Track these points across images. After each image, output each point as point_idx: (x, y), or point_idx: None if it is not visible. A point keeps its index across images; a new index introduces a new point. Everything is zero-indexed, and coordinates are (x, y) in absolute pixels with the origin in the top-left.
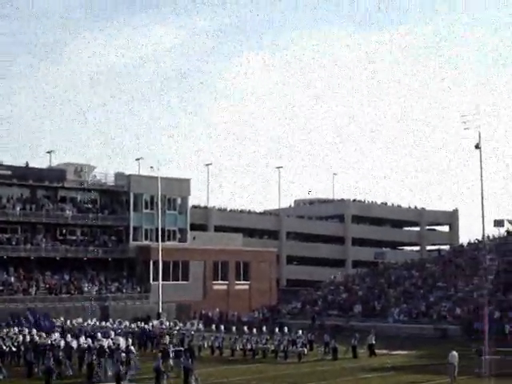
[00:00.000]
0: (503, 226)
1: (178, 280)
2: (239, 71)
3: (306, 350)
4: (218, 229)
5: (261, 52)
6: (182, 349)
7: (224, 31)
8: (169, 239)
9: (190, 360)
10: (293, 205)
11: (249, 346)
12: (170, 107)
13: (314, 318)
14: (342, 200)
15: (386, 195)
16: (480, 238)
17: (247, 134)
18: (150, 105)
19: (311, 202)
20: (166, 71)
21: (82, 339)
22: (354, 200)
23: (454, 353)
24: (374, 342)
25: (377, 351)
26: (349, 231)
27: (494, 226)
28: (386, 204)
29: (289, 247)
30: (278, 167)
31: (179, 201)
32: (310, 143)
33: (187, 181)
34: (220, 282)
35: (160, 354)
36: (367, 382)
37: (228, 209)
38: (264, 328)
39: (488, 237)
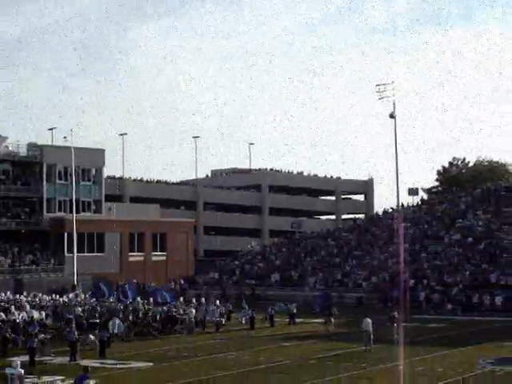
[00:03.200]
0: (417, 194)
1: (93, 252)
2: (154, 38)
3: (223, 319)
4: (133, 200)
5: (178, 18)
6: (97, 321)
7: None
8: (83, 210)
9: (105, 332)
10: (210, 175)
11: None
12: (81, 76)
13: (224, 288)
14: (259, 170)
15: (302, 165)
16: (395, 206)
17: (162, 104)
18: (60, 74)
19: (228, 172)
20: (75, 39)
21: None
22: (271, 170)
23: (368, 320)
24: (295, 311)
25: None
26: (266, 201)
27: (409, 194)
28: (302, 173)
29: (206, 217)
30: (195, 137)
31: (93, 171)
32: (227, 113)
33: (101, 151)
34: (136, 253)
35: (74, 327)
36: (286, 351)
37: (144, 179)
38: (181, 298)
39: (402, 205)
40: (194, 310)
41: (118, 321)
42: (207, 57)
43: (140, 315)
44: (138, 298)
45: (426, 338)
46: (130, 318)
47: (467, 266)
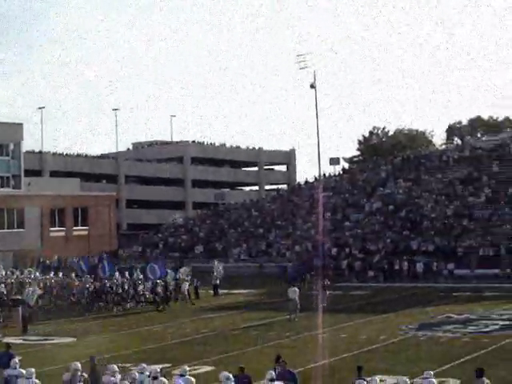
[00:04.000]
0: (339, 163)
1: (13, 228)
2: (69, 11)
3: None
4: (53, 174)
5: None
6: (19, 297)
7: None
8: (2, 186)
9: (28, 308)
10: (131, 148)
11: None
12: None
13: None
14: (181, 142)
15: (224, 136)
16: (317, 176)
17: (81, 76)
18: None
19: (150, 145)
20: None
21: None
22: (193, 142)
23: (294, 289)
24: (218, 283)
25: (219, 291)
26: (188, 173)
27: (330, 164)
28: (224, 145)
29: (128, 191)
30: (115, 109)
31: (12, 146)
32: (147, 85)
33: (19, 125)
34: (58, 228)
35: None
36: (211, 322)
37: (64, 153)
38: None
39: (324, 175)
40: (187, 284)
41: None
42: (123, 28)
43: (123, 289)
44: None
45: (349, 305)
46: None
47: (388, 233)
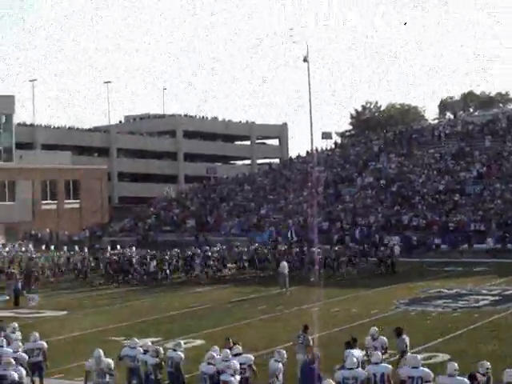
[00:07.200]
0: (331, 138)
1: (4, 201)
2: None
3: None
4: (45, 147)
5: None
6: (12, 271)
7: None
8: None
9: (20, 282)
10: (123, 121)
11: (79, 266)
12: None
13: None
14: (173, 115)
15: (216, 110)
16: (309, 150)
17: (72, 48)
18: None
19: (142, 118)
20: None
21: None
22: (186, 115)
23: (284, 263)
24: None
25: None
26: (181, 147)
27: (322, 138)
28: (216, 119)
29: (120, 164)
30: (107, 82)
31: (3, 119)
32: (139, 57)
33: (11, 97)
34: (49, 201)
35: None
36: (200, 296)
37: (55, 126)
38: (97, 246)
39: (316, 149)
40: None
41: None
42: (113, 2)
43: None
44: None
45: (341, 279)
46: None
47: (380, 208)
